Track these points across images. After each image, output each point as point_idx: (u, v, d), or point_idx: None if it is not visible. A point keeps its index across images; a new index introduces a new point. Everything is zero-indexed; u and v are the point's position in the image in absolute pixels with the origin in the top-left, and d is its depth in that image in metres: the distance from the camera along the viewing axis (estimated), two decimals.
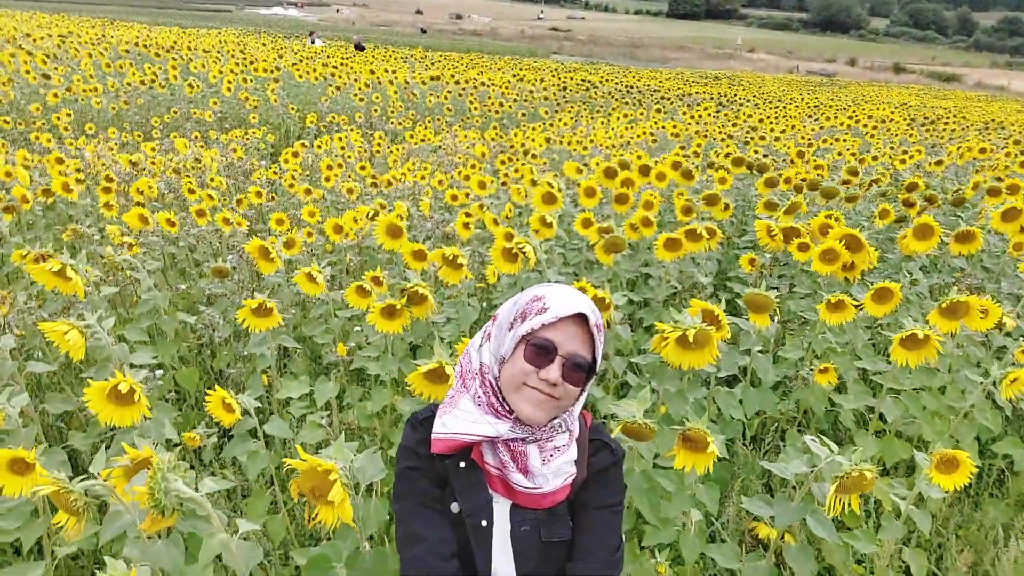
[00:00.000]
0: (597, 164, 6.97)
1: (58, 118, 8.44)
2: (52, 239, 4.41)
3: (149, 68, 12.00)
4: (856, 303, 2.91)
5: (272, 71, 13.58)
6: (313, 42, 26.39)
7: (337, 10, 70.17)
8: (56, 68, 11.29)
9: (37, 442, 2.55)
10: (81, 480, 1.45)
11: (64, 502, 1.41)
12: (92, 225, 4.45)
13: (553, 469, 1.38)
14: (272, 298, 3.47)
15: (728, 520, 2.75)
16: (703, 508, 2.24)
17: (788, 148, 8.41)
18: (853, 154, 7.66)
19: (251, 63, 14.46)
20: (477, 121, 11.74)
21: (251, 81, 12.50)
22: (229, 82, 11.56)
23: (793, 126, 11.51)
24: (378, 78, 14.14)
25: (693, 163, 6.72)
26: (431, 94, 13.15)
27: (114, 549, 2.11)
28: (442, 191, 5.80)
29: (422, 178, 6.06)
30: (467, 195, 5.11)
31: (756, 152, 7.60)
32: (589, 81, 19.23)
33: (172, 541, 1.58)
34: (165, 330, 3.30)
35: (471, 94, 13.32)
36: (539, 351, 1.32)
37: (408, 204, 5.00)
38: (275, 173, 6.14)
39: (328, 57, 19.28)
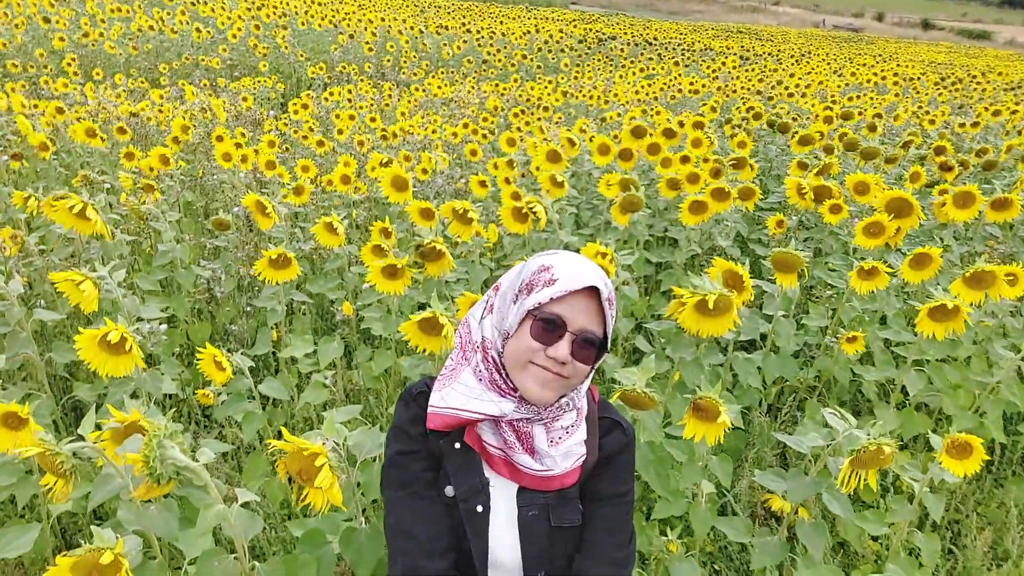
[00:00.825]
0: (613, 119, 6.77)
1: (68, 64, 8.29)
2: (63, 187, 4.32)
3: (157, 13, 11.74)
4: (891, 270, 2.78)
5: (280, 17, 13.26)
6: None
7: None
8: (61, 11, 11.06)
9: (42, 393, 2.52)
10: (68, 442, 1.39)
11: (50, 464, 1.35)
12: (103, 172, 4.36)
13: (562, 451, 1.28)
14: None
15: (741, 492, 2.68)
16: (715, 480, 2.17)
17: (813, 105, 8.13)
18: (879, 114, 7.39)
19: (260, 8, 14.12)
20: (493, 73, 11.44)
21: (260, 28, 12.21)
22: (238, 28, 11.30)
23: (820, 82, 11.14)
24: (388, 27, 13.76)
25: (711, 119, 6.51)
26: (444, 44, 12.81)
27: (112, 508, 2.08)
28: (457, 144, 5.65)
29: (433, 131, 5.90)
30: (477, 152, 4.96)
31: (782, 110, 7.35)
32: (607, 33, 18.68)
33: (166, 506, 1.53)
34: (182, 283, 3.23)
35: (490, 44, 12.95)
36: (547, 327, 1.20)
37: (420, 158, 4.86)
38: (285, 124, 5.99)
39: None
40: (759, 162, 5.35)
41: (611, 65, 14.08)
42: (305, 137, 5.33)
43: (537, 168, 4.36)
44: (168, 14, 12.29)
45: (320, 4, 17.01)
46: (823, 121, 5.75)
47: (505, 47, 13.49)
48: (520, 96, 8.94)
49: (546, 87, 9.57)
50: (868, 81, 12.22)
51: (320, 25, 13.47)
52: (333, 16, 14.42)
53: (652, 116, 6.56)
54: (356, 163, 4.45)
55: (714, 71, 12.31)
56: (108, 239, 2.71)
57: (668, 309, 2.20)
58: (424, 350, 2.02)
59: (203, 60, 9.92)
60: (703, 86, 9.49)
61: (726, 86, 10.28)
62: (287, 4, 15.68)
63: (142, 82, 8.44)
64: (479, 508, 1.29)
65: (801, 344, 3.14)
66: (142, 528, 1.51)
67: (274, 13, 13.71)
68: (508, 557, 1.31)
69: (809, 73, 12.49)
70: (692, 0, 66.44)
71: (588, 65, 12.74)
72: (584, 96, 8.59)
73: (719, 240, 3.46)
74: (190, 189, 4.07)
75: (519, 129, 6.18)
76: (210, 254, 3.62)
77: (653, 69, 12.79)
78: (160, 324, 2.55)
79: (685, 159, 4.10)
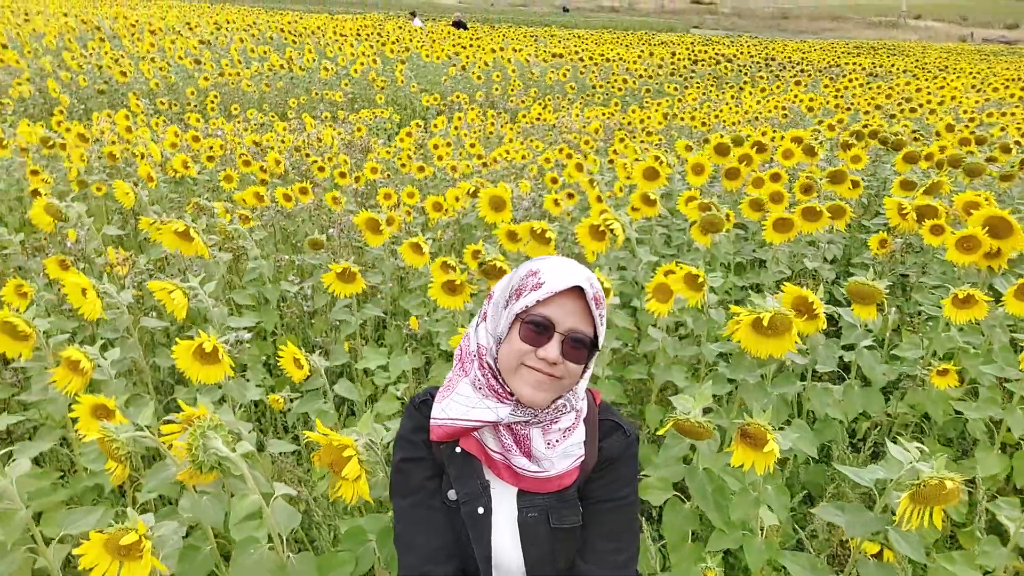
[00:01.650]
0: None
1: (211, 101, 9.17)
2: (178, 212, 4.78)
3: (288, 52, 12.74)
4: (992, 299, 2.54)
5: (401, 52, 14.00)
6: (414, 22, 25.58)
7: None
8: (206, 53, 12.25)
9: (147, 395, 2.78)
10: (126, 430, 1.53)
11: (108, 449, 1.50)
12: (217, 199, 4.79)
13: (560, 452, 1.30)
14: (374, 271, 3.58)
15: (818, 528, 2.51)
16: (777, 512, 2.05)
17: (942, 122, 7.54)
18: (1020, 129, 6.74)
19: (383, 45, 14.99)
20: (599, 98, 11.49)
21: (380, 63, 12.95)
22: (361, 63, 12.05)
23: (953, 97, 10.31)
24: (498, 57, 14.18)
25: (825, 139, 6.19)
26: (552, 72, 13.02)
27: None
28: (548, 168, 5.72)
29: (523, 157, 6.02)
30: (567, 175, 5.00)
31: (906, 126, 6.87)
32: (722, 54, 18.26)
33: (217, 497, 1.64)
34: (269, 298, 3.49)
35: (592, 71, 13.04)
36: (536, 329, 1.24)
37: (510, 183, 4.98)
38: (388, 152, 6.31)
39: (431, 36, 19.59)
40: (870, 182, 5.03)
41: (726, 86, 13.74)
42: (403, 164, 5.59)
43: (621, 189, 4.35)
44: (298, 54, 13.30)
45: (438, 41, 17.82)
46: (947, 131, 5.33)
47: (613, 72, 13.51)
48: (625, 120, 8.92)
49: (652, 110, 9.48)
50: (1013, 96, 11.17)
51: (438, 58, 14.10)
52: (450, 49, 15.05)
53: (758, 136, 6.34)
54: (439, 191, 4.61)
55: (837, 89, 11.70)
56: (208, 258, 2.97)
57: (727, 328, 2.13)
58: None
59: (327, 94, 10.64)
60: (820, 104, 9.04)
61: (846, 103, 9.74)
62: (410, 41, 16.56)
63: (272, 116, 9.16)
64: (480, 510, 1.32)
65: (897, 375, 2.91)
66: (194, 515, 1.64)
67: (397, 48, 14.51)
68: (511, 560, 1.33)
69: (942, 88, 11.59)
70: (822, 18, 63.64)
71: (698, 87, 12.49)
72: (687, 118, 8.44)
73: (807, 262, 3.27)
74: (288, 217, 4.36)
75: (616, 152, 6.17)
76: (305, 272, 3.86)
77: (768, 89, 12.36)
78: (246, 333, 2.76)
79: (776, 177, 3.94)
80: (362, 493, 1.48)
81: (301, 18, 25.10)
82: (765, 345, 2.06)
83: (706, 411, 1.83)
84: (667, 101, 10.93)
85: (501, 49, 14.88)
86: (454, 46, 15.99)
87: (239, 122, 8.09)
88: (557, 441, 1.31)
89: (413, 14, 27.38)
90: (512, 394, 1.28)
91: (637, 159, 5.00)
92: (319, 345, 3.40)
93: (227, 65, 11.12)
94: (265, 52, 13.43)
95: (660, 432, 1.83)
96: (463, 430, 1.30)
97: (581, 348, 1.26)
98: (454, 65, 12.81)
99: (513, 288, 1.29)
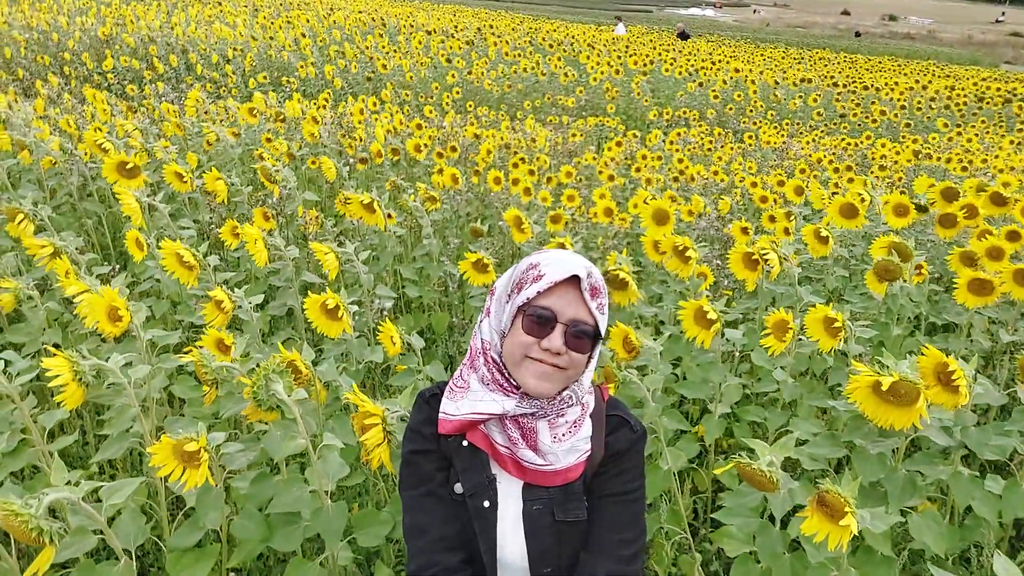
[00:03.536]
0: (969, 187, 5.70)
1: (452, 96, 9.99)
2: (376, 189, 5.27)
3: (536, 57, 13.36)
4: None
5: (645, 65, 13.99)
6: (617, 29, 24.39)
7: (755, 11, 68.22)
8: (472, 54, 13.29)
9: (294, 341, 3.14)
10: (218, 363, 1.75)
11: (200, 373, 1.73)
12: (422, 179, 5.22)
13: (566, 447, 1.31)
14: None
15: None
16: None
17: None
18: None
19: (630, 56, 15.09)
20: (845, 127, 10.50)
21: (623, 73, 13.07)
22: (601, 73, 12.27)
23: None
24: (744, 77, 13.55)
25: None
26: (801, 95, 12.14)
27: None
28: (752, 193, 5.38)
29: (721, 177, 5.72)
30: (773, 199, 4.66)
31: None
32: (1015, 93, 15.63)
33: (284, 429, 1.80)
34: (431, 275, 3.73)
35: (850, 99, 11.93)
36: (538, 321, 1.24)
37: (707, 202, 4.78)
38: (593, 159, 6.38)
39: (682, 50, 19.07)
40: None
41: (1013, 130, 11.78)
42: (600, 172, 5.63)
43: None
44: (547, 59, 13.89)
45: (684, 56, 17.51)
46: None
47: (872, 103, 12.25)
48: (872, 154, 8.08)
49: (904, 146, 8.45)
50: None
51: (680, 73, 13.89)
52: (692, 66, 14.73)
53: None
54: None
55: None
56: (383, 229, 3.26)
57: (847, 388, 1.86)
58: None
59: (560, 99, 11.00)
60: None
61: None
62: (654, 53, 16.50)
63: (503, 115, 9.71)
64: (486, 504, 1.33)
65: None
66: (264, 444, 1.83)
67: (643, 60, 14.54)
68: (515, 554, 1.33)
69: None
70: None
71: (973, 127, 10.85)
72: (944, 160, 7.38)
73: (1003, 334, 2.70)
74: (469, 202, 4.59)
75: (837, 185, 5.63)
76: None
77: None
78: (388, 302, 2.98)
79: (1014, 235, 3.31)
80: (384, 460, 1.54)
81: (568, 27, 26.12)
82: (886, 413, 1.77)
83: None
84: (933, 137, 9.65)
85: (736, 71, 14.20)
86: (696, 63, 15.61)
87: (471, 117, 8.69)
88: (564, 435, 1.31)
89: (619, 18, 26.19)
90: (518, 387, 1.29)
91: (835, 193, 4.53)
92: (455, 325, 3.56)
93: (478, 64, 11.98)
94: (517, 56, 14.24)
95: (717, 472, 1.66)
96: (470, 423, 1.32)
97: (584, 338, 1.26)
98: (693, 80, 12.51)
99: (514, 282, 1.30)
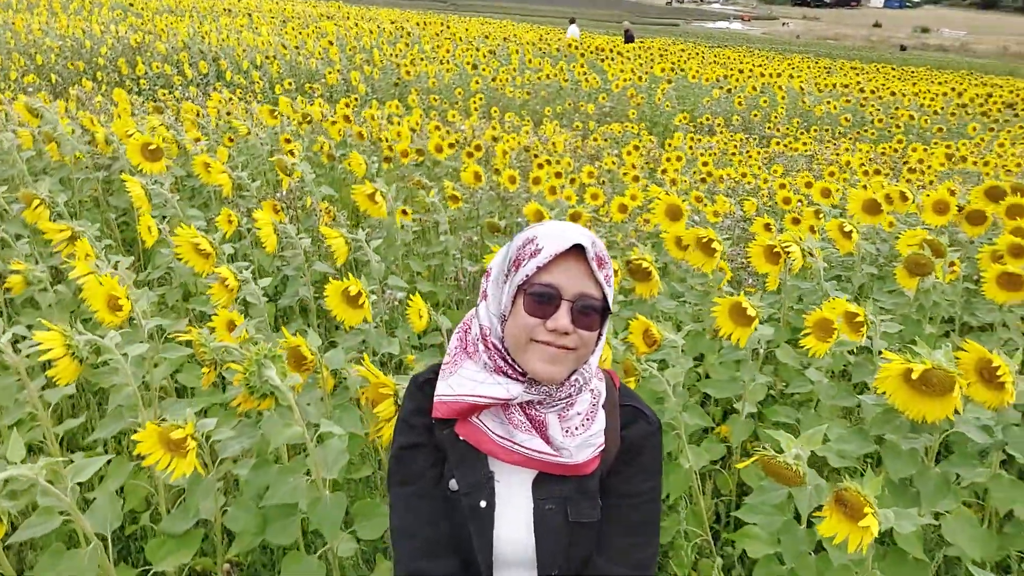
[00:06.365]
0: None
1: (474, 101, 9.98)
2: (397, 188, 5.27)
3: (562, 64, 13.34)
4: None
5: (670, 72, 13.90)
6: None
7: (784, 23, 67.77)
8: (494, 63, 13.33)
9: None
10: (216, 343, 1.71)
11: (198, 352, 1.69)
12: (446, 177, 5.20)
13: (579, 442, 1.19)
14: None
15: None
16: None
17: None
18: None
19: (652, 63, 15.02)
20: (872, 134, 10.30)
21: (648, 80, 12.99)
22: (624, 79, 12.20)
23: None
24: (770, 82, 13.38)
25: None
26: (828, 101, 11.95)
27: None
28: (778, 192, 5.27)
29: (749, 179, 5.62)
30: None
31: None
32: None
33: (281, 416, 1.74)
34: (446, 269, 3.68)
35: (873, 104, 11.72)
36: (540, 299, 1.13)
37: (731, 202, 4.68)
38: (613, 163, 6.31)
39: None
40: None
41: None
42: (625, 173, 5.56)
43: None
44: (571, 66, 13.86)
45: (707, 62, 17.38)
46: None
47: (899, 107, 12.03)
48: (904, 160, 7.91)
49: (937, 150, 8.25)
50: None
51: (707, 80, 13.77)
52: (720, 72, 14.60)
53: None
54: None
55: None
56: (385, 219, 3.22)
57: (876, 378, 1.75)
58: None
59: (582, 106, 10.94)
60: None
61: None
62: (682, 62, 16.40)
63: (526, 120, 9.67)
64: (482, 503, 1.23)
65: None
66: (263, 430, 1.77)
67: (668, 68, 14.44)
68: (517, 554, 1.23)
69: None
70: None
71: (1008, 132, 10.58)
72: (981, 163, 7.19)
73: None
74: (491, 200, 4.55)
75: (865, 187, 5.50)
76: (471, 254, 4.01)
77: None
78: (399, 292, 2.93)
79: None
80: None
81: (593, 38, 26.00)
82: (918, 403, 1.67)
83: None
84: (964, 143, 9.42)
85: (777, 75, 14.03)
86: (721, 68, 15.47)
87: (494, 123, 8.67)
88: (576, 429, 1.20)
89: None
90: (524, 373, 1.18)
91: (864, 187, 4.40)
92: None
93: (503, 71, 11.99)
94: (539, 63, 14.23)
95: (740, 467, 1.56)
96: (472, 407, 1.20)
97: (592, 313, 1.15)
98: (720, 87, 12.38)
99: (511, 259, 1.18)
